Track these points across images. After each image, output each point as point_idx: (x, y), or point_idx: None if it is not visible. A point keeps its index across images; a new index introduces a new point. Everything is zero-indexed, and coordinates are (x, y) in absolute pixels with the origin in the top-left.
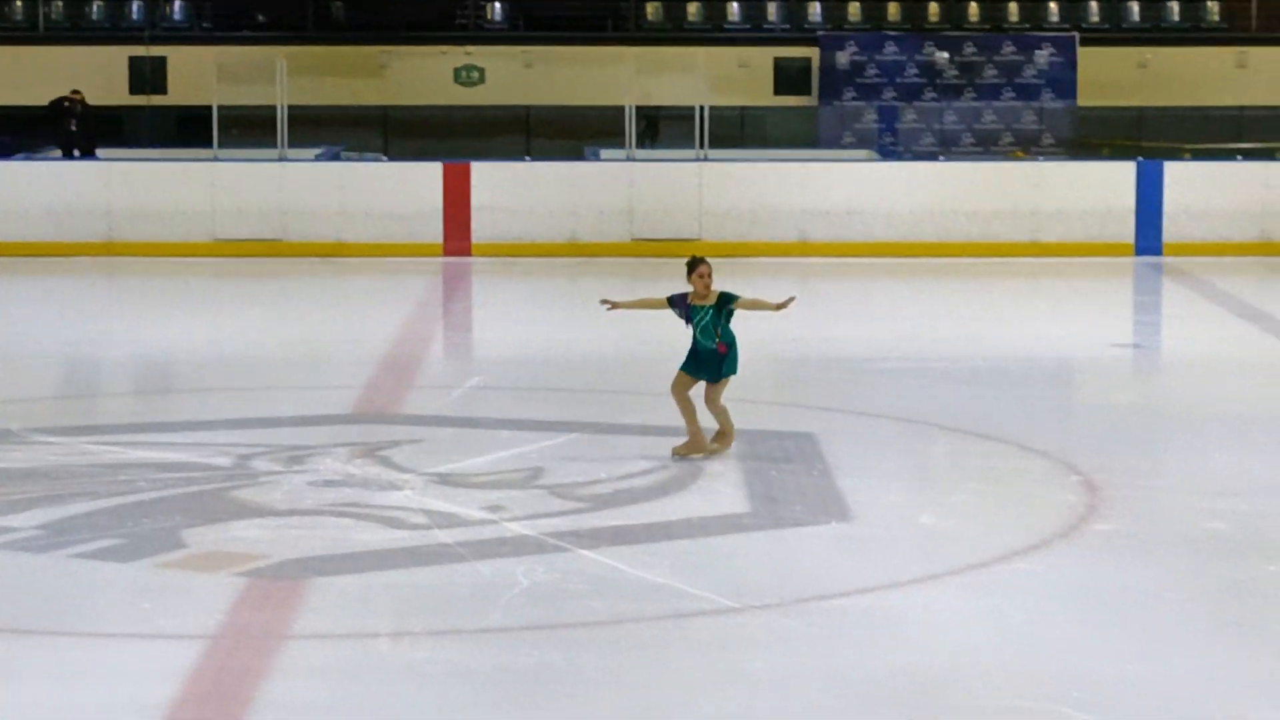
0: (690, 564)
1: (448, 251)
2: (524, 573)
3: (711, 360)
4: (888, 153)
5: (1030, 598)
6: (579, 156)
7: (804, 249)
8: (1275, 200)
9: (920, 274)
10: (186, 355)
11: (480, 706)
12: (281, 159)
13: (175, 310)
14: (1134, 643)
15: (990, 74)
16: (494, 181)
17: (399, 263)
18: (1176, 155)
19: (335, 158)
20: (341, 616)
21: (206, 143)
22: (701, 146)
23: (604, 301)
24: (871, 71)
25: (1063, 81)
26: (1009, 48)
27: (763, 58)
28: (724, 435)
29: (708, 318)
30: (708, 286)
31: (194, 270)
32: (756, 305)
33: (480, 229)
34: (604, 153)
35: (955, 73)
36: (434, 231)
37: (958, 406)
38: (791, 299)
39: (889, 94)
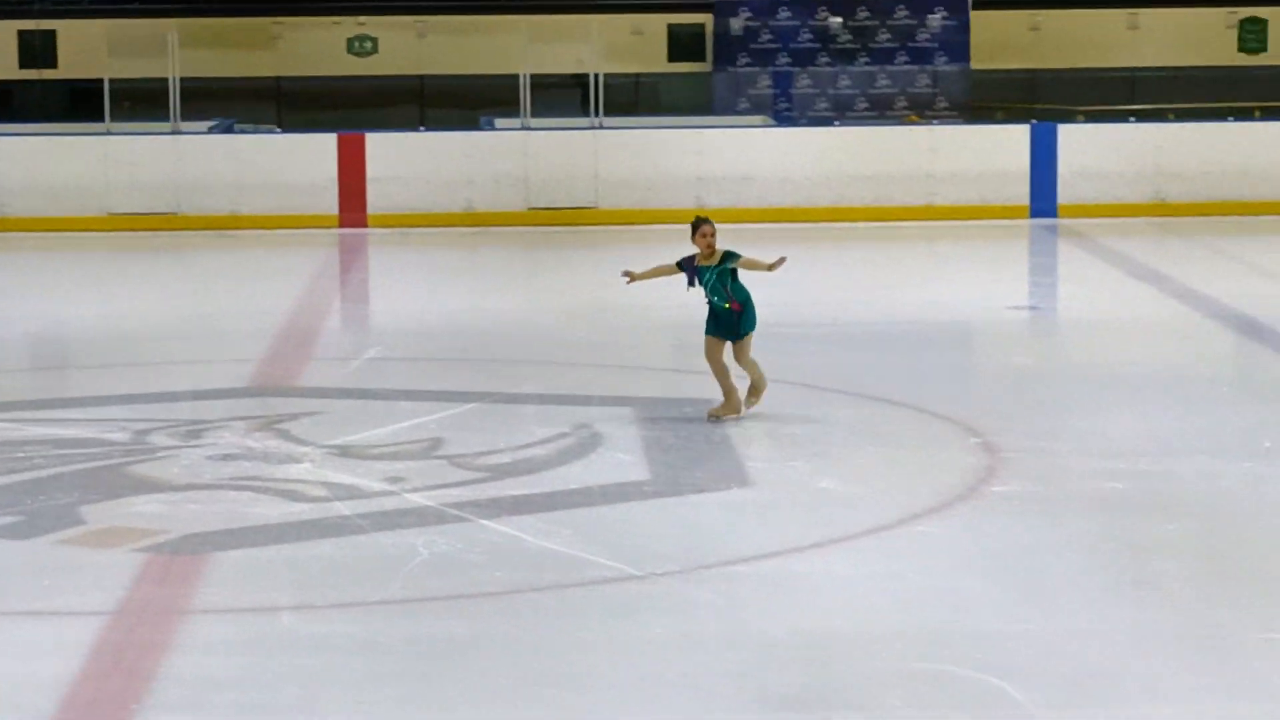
0: (591, 532)
1: (343, 223)
2: (425, 544)
3: (728, 319)
4: (782, 118)
5: (931, 560)
6: (474, 126)
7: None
8: (1168, 161)
9: (816, 239)
10: (82, 331)
11: (383, 678)
12: (174, 132)
13: (70, 286)
14: (1035, 603)
15: (883, 38)
16: (389, 152)
17: (294, 235)
18: (1070, 118)
19: (229, 130)
20: (242, 590)
21: (98, 117)
22: (596, 114)
23: (624, 274)
24: (765, 37)
25: (956, 45)
26: (902, 11)
27: (656, 24)
28: (755, 389)
29: (714, 279)
30: (711, 246)
31: (88, 245)
32: (752, 265)
33: (376, 200)
34: (499, 122)
35: (849, 37)
36: (329, 203)
37: (855, 371)
38: (782, 259)
39: (783, 59)
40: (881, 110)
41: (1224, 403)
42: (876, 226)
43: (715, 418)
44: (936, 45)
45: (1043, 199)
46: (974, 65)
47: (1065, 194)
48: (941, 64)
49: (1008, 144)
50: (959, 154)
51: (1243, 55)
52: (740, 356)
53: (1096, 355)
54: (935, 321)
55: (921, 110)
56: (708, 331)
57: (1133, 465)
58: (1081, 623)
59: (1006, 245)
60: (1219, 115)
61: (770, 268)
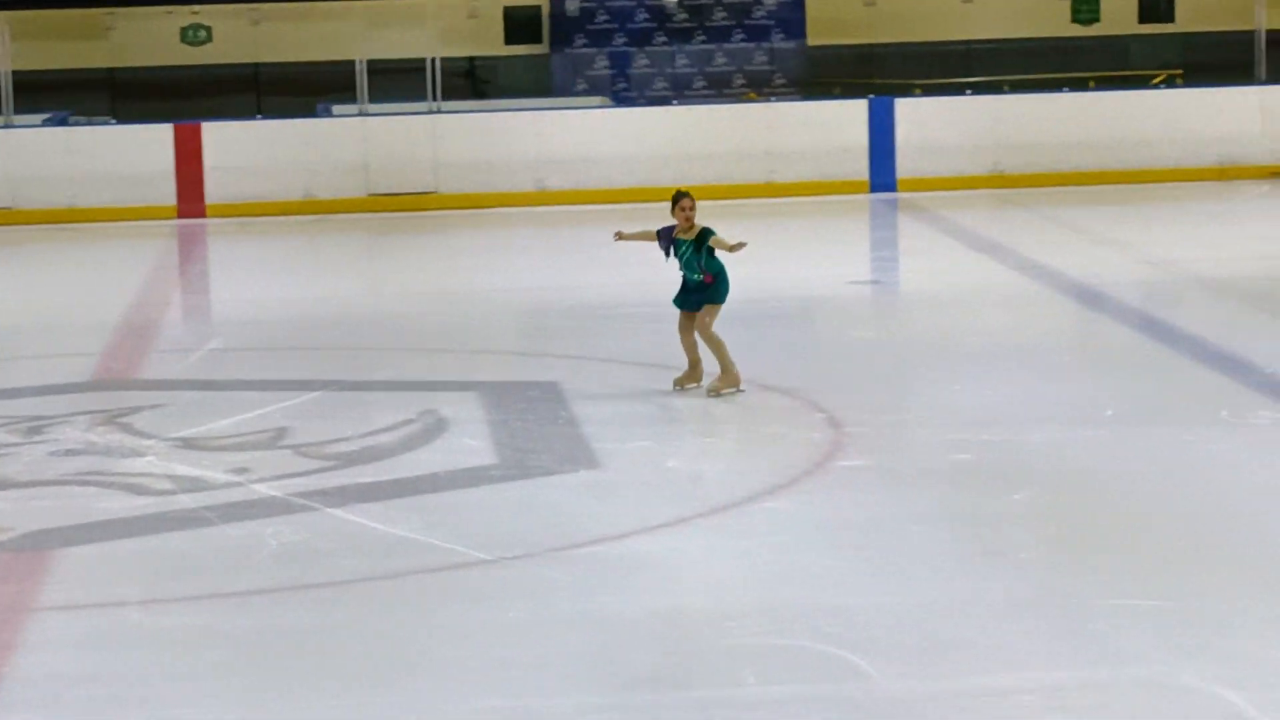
0: (440, 518)
1: (182, 214)
2: (273, 534)
3: (699, 290)
4: (621, 99)
5: (780, 535)
6: (311, 113)
7: (542, 198)
8: (1006, 133)
9: (657, 219)
10: None
11: (235, 670)
12: (7, 126)
13: None
14: (884, 575)
15: (720, 16)
16: (226, 141)
17: (132, 227)
18: (907, 92)
19: (63, 123)
20: (90, 586)
21: None
22: (434, 99)
23: (616, 234)
24: (602, 18)
25: (792, 21)
26: None
27: (492, 7)
28: (726, 375)
29: (689, 252)
30: (689, 220)
31: None
32: (719, 244)
33: (214, 189)
34: (336, 108)
35: (685, 16)
36: (167, 194)
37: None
38: (742, 244)
39: (620, 39)
40: (719, 88)
41: (1067, 372)
42: (717, 205)
43: (679, 386)
44: (773, 22)
45: (882, 173)
46: (810, 41)
47: (904, 168)
48: (778, 41)
49: (846, 119)
50: (798, 130)
51: (1076, 26)
52: (702, 327)
53: (939, 328)
54: (777, 298)
55: (759, 87)
56: (675, 304)
57: (978, 436)
58: (932, 594)
59: (847, 220)
60: (1054, 86)
61: (731, 249)
